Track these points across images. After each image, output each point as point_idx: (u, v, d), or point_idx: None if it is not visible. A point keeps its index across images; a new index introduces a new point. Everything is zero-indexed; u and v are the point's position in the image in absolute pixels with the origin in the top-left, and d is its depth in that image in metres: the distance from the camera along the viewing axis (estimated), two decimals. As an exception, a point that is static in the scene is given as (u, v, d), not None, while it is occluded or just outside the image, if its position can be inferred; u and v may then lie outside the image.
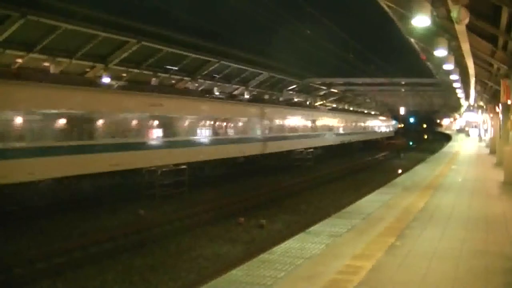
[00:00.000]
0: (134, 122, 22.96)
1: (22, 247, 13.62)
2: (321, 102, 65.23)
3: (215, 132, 28.82)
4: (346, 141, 51.20)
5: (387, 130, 79.56)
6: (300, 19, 31.19)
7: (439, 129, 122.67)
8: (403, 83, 65.04)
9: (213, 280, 7.41)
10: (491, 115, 37.33)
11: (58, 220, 17.31)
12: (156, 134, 24.15)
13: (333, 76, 61.36)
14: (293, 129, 38.80)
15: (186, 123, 26.57)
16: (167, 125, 24.70)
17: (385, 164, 42.61)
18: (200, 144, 26.96)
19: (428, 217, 11.83)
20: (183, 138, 25.65)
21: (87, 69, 33.30)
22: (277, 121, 36.21)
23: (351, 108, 72.49)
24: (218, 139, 28.73)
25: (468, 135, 71.14)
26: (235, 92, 48.34)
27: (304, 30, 36.90)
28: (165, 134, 24.38)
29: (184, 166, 23.55)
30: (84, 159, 19.41)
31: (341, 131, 52.63)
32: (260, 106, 34.78)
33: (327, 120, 47.82)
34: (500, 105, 26.76)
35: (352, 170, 35.06)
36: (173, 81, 41.56)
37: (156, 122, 24.15)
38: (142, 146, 22.60)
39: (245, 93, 49.62)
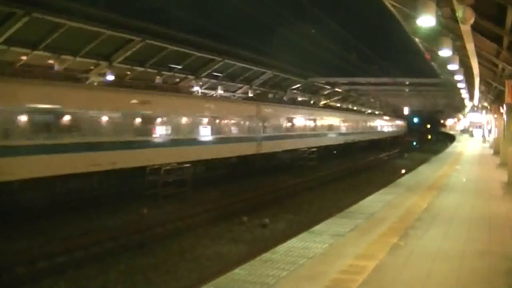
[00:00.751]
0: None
1: (24, 246, 13.62)
2: (325, 102, 65.20)
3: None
4: (350, 140, 50.70)
5: (400, 129, 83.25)
6: (304, 19, 31.25)
7: (443, 130, 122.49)
8: (407, 83, 65.07)
9: (215, 279, 7.40)
10: (495, 115, 37.25)
11: (59, 219, 17.29)
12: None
13: (337, 76, 61.40)
14: (293, 129, 38.06)
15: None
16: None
17: (388, 164, 42.55)
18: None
19: (432, 217, 11.80)
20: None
21: (91, 67, 33.36)
22: (275, 120, 35.23)
23: (365, 110, 74.94)
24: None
25: (472, 135, 71.01)
26: (239, 91, 48.42)
27: (308, 30, 36.91)
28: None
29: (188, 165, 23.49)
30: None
31: (349, 130, 52.39)
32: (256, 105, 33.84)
33: (332, 120, 47.31)
34: (504, 105, 26.70)
35: (355, 170, 35.01)
36: (177, 80, 41.62)
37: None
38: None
39: (249, 91, 49.67)
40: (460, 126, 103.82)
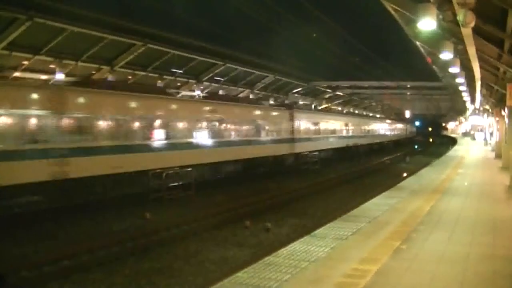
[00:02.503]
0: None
1: (29, 250, 13.63)
2: (327, 105, 65.27)
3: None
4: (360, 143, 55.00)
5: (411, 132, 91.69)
6: (306, 22, 31.24)
7: (445, 133, 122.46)
8: (409, 86, 65.08)
9: (219, 282, 7.41)
10: (497, 119, 37.23)
11: (65, 223, 17.34)
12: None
13: (339, 79, 61.41)
14: (318, 132, 42.41)
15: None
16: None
17: (391, 167, 42.52)
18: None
19: (435, 221, 11.81)
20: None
21: (93, 72, 33.41)
22: (304, 125, 39.23)
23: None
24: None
25: (473, 138, 70.96)
26: (240, 96, 48.47)
27: (310, 33, 36.95)
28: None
29: (190, 169, 23.57)
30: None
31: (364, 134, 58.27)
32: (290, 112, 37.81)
33: (350, 124, 52.92)
34: (506, 109, 26.69)
35: (359, 174, 34.99)
36: (179, 84, 41.66)
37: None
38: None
39: (250, 95, 49.72)
40: (461, 129, 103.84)
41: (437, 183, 19.95)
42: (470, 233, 10.59)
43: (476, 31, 13.84)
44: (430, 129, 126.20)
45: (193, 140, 26.09)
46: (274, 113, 36.34)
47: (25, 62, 28.78)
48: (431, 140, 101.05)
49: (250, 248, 14.51)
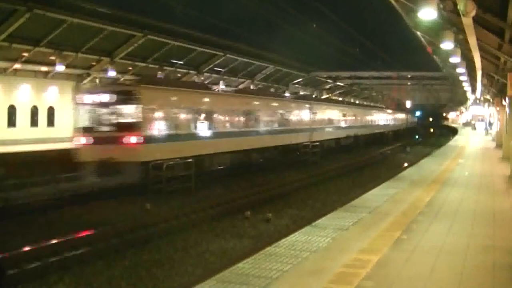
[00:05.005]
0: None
1: (29, 241, 13.62)
2: (327, 96, 65.31)
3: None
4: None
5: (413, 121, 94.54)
6: (306, 13, 31.19)
7: (445, 123, 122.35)
8: (409, 76, 65.04)
9: (219, 273, 7.41)
10: (498, 108, 37.21)
11: (64, 214, 17.38)
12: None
13: (339, 70, 61.36)
14: (332, 122, 45.80)
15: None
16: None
17: (391, 158, 42.50)
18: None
19: (435, 211, 11.82)
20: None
21: (93, 63, 33.40)
22: (320, 115, 42.27)
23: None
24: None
25: (474, 128, 70.93)
26: (241, 86, 48.42)
27: (310, 24, 36.90)
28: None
29: (190, 160, 23.47)
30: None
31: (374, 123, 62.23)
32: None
33: (360, 115, 55.89)
34: (507, 98, 26.66)
35: (358, 165, 34.97)
36: (179, 75, 41.62)
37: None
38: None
39: (251, 86, 49.65)
40: (462, 119, 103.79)
41: (437, 174, 19.95)
42: (470, 224, 10.60)
43: (476, 20, 13.81)
44: (430, 119, 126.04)
45: (250, 129, 30.95)
46: (299, 106, 39.50)
47: (25, 54, 28.77)
48: (431, 130, 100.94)
49: (250, 239, 14.52)
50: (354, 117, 52.38)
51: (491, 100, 43.89)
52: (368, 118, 59.66)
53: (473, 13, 12.01)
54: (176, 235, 14.83)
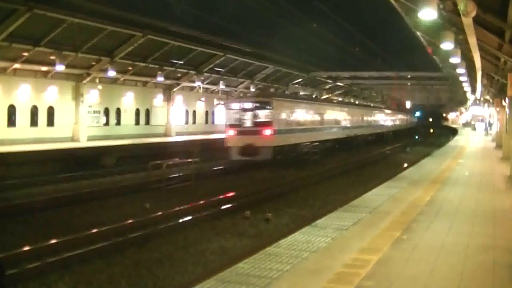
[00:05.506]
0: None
1: (29, 240, 13.62)
2: (326, 96, 65.46)
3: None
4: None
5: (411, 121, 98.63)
6: (306, 12, 31.21)
7: (445, 123, 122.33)
8: (409, 76, 65.05)
9: (219, 272, 7.42)
10: (498, 109, 37.20)
11: (64, 213, 17.39)
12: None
13: (340, 70, 61.35)
14: (357, 122, 54.58)
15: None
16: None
17: (391, 158, 42.50)
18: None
19: (435, 211, 11.83)
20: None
21: (93, 63, 33.39)
22: (351, 117, 52.08)
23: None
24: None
25: (474, 129, 70.92)
26: (241, 86, 48.39)
27: (310, 24, 36.88)
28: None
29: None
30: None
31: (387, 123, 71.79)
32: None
33: (376, 116, 65.49)
34: (506, 99, 26.66)
35: (359, 164, 34.97)
36: (179, 75, 41.62)
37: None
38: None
39: (251, 86, 49.61)
40: (462, 119, 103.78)
41: (437, 173, 19.96)
42: (470, 223, 10.61)
43: (476, 21, 13.80)
44: (430, 119, 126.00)
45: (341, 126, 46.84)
46: (350, 110, 52.88)
47: (25, 54, 28.77)
48: (431, 130, 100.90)
49: (250, 238, 14.52)
50: (373, 118, 63.32)
51: (491, 101, 43.88)
52: (379, 118, 67.43)
53: (473, 13, 12.01)
54: (176, 233, 14.83)
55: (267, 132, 31.99)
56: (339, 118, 47.54)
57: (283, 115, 34.20)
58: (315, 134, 38.97)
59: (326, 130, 42.33)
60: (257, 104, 32.89)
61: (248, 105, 33.25)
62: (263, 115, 32.62)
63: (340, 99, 69.47)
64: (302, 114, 37.86)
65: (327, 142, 41.68)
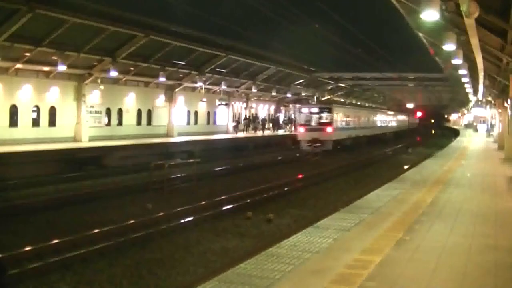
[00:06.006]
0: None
1: (30, 240, 13.63)
2: (328, 97, 65.60)
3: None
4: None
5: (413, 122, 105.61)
6: (308, 13, 31.19)
7: (447, 124, 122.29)
8: (411, 77, 65.02)
9: (221, 273, 7.41)
10: (500, 110, 37.19)
11: (66, 213, 17.40)
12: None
13: (342, 71, 61.31)
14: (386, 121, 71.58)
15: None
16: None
17: (393, 158, 42.48)
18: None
19: (437, 212, 11.81)
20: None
21: (95, 63, 33.40)
22: (381, 118, 67.79)
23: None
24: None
25: (476, 130, 70.87)
26: (242, 87, 48.41)
27: (313, 25, 36.87)
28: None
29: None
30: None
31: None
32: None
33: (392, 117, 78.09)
34: (509, 100, 26.65)
35: (360, 165, 34.96)
36: (181, 75, 41.62)
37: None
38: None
39: (253, 87, 49.53)
40: (464, 120, 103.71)
41: (439, 174, 19.93)
42: (472, 224, 10.59)
43: (479, 22, 13.80)
44: (432, 120, 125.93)
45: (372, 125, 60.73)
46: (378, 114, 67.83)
47: (27, 54, 28.77)
48: (433, 131, 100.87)
49: (252, 239, 14.52)
50: (393, 119, 77.84)
51: (492, 102, 43.86)
52: (396, 119, 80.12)
53: (476, 15, 12.01)
54: (178, 233, 14.83)
55: (329, 129, 43.97)
56: (372, 119, 61.78)
57: (339, 118, 46.95)
58: (357, 131, 52.18)
59: (363, 129, 55.30)
60: (321, 109, 45.50)
61: (315, 110, 45.69)
62: (325, 117, 44.61)
63: (368, 104, 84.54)
64: (350, 117, 51.09)
65: (363, 137, 54.08)
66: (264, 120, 58.91)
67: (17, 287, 10.28)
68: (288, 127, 62.74)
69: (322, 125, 43.95)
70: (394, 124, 77.90)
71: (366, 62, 50.85)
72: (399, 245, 8.69)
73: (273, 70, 51.45)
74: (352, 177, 28.27)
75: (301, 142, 43.89)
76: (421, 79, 66.81)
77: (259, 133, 54.98)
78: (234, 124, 53.77)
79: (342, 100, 73.08)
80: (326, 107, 46.14)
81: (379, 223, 10.45)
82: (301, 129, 44.87)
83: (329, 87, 68.65)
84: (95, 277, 11.16)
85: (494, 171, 21.57)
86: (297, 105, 53.06)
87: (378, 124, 66.18)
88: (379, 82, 69.47)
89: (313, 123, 44.40)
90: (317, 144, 42.06)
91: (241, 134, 51.53)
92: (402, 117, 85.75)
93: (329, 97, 67.09)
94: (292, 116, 65.12)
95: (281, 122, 63.75)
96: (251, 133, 53.67)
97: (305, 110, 46.14)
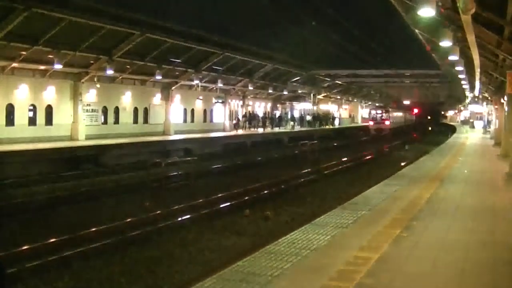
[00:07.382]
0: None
1: (28, 239, 13.61)
2: (325, 94, 65.68)
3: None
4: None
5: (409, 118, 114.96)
6: (305, 10, 31.15)
7: (444, 121, 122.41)
8: (408, 74, 65.12)
9: (219, 271, 7.40)
10: (496, 106, 37.23)
11: (63, 212, 17.39)
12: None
13: (338, 68, 61.31)
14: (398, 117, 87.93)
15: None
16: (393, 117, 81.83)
17: (390, 155, 42.50)
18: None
19: (435, 208, 11.83)
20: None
21: (91, 61, 33.34)
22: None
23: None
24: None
25: (472, 126, 70.93)
26: (239, 85, 48.35)
27: (309, 22, 36.86)
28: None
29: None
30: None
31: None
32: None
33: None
34: (505, 96, 26.67)
35: (358, 162, 34.97)
36: (177, 73, 41.57)
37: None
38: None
39: (249, 85, 49.45)
40: (461, 117, 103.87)
41: (437, 171, 19.97)
42: (470, 220, 10.61)
43: (475, 18, 13.78)
44: (429, 117, 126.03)
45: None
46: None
47: (23, 53, 28.68)
48: (430, 128, 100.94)
49: (249, 237, 14.50)
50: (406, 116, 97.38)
51: (489, 98, 43.90)
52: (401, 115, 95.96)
53: (472, 11, 11.98)
54: (176, 232, 14.81)
55: (387, 122, 71.03)
56: (396, 116, 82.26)
57: (391, 115, 74.57)
58: (394, 124, 75.17)
59: (396, 123, 77.73)
60: (383, 110, 74.35)
61: (379, 110, 74.21)
62: (385, 115, 72.23)
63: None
64: (392, 115, 75.48)
65: (402, 127, 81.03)
66: (264, 118, 58.88)
67: (15, 286, 10.25)
68: (291, 124, 62.38)
69: (383, 119, 71.11)
70: (402, 120, 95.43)
71: (362, 59, 50.92)
72: (397, 242, 8.70)
73: (269, 67, 51.39)
74: (350, 174, 28.28)
75: (371, 131, 69.28)
76: (417, 76, 66.94)
77: (260, 130, 54.86)
78: (235, 122, 53.66)
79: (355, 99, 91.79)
80: (385, 109, 75.62)
81: (377, 220, 10.46)
82: (371, 122, 71.90)
83: (326, 84, 68.66)
84: (93, 275, 11.14)
85: (491, 168, 21.62)
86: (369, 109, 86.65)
87: (398, 120, 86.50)
88: (375, 79, 69.63)
89: (378, 119, 71.49)
90: (380, 132, 66.74)
91: (240, 131, 51.47)
92: (407, 115, 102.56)
93: (325, 94, 67.18)
94: (294, 114, 72.76)
95: (276, 118, 63.36)
96: (252, 131, 53.46)
97: (373, 111, 76.57)
